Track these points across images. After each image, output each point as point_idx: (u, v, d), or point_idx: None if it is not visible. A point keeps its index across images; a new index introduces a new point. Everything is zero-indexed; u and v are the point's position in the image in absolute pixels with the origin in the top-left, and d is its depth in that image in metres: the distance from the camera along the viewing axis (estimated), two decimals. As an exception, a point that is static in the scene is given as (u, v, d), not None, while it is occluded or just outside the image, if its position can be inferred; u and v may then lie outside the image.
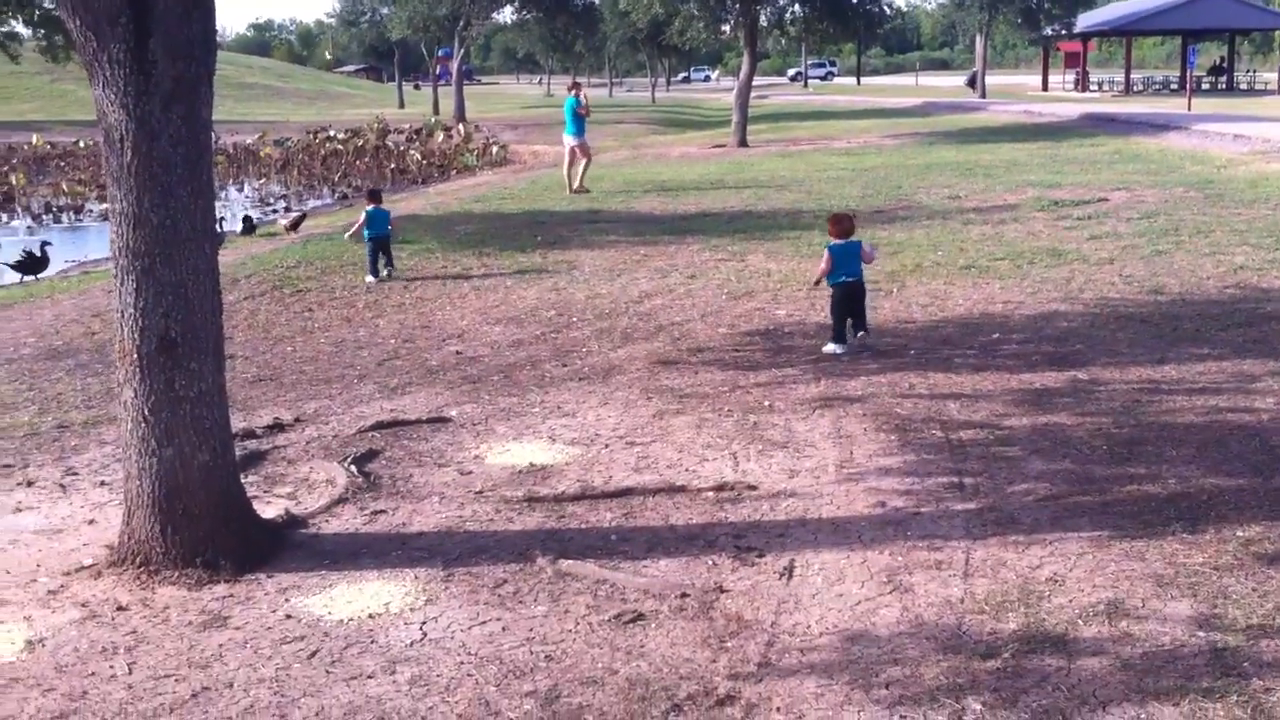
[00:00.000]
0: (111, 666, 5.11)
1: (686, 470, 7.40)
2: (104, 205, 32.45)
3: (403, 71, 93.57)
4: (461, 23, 58.52)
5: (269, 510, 6.96)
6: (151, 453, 6.04)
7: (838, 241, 10.08)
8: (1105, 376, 9.02)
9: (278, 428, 8.74)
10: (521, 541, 6.37)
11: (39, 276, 18.78)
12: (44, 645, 5.35)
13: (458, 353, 10.77)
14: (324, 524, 6.78)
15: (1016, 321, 10.93)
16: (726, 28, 37.10)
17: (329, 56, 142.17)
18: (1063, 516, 6.34)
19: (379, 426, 8.57)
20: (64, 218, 31.39)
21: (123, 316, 6.04)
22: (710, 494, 6.97)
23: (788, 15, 36.87)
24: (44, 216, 31.59)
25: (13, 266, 18.85)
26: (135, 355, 6.00)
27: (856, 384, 9.09)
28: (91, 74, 5.89)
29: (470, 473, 7.56)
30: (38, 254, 19.20)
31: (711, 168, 28.25)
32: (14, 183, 38.04)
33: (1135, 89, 68.60)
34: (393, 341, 11.37)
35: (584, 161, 23.98)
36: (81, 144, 50.72)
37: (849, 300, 10.03)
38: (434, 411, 8.93)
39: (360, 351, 11.03)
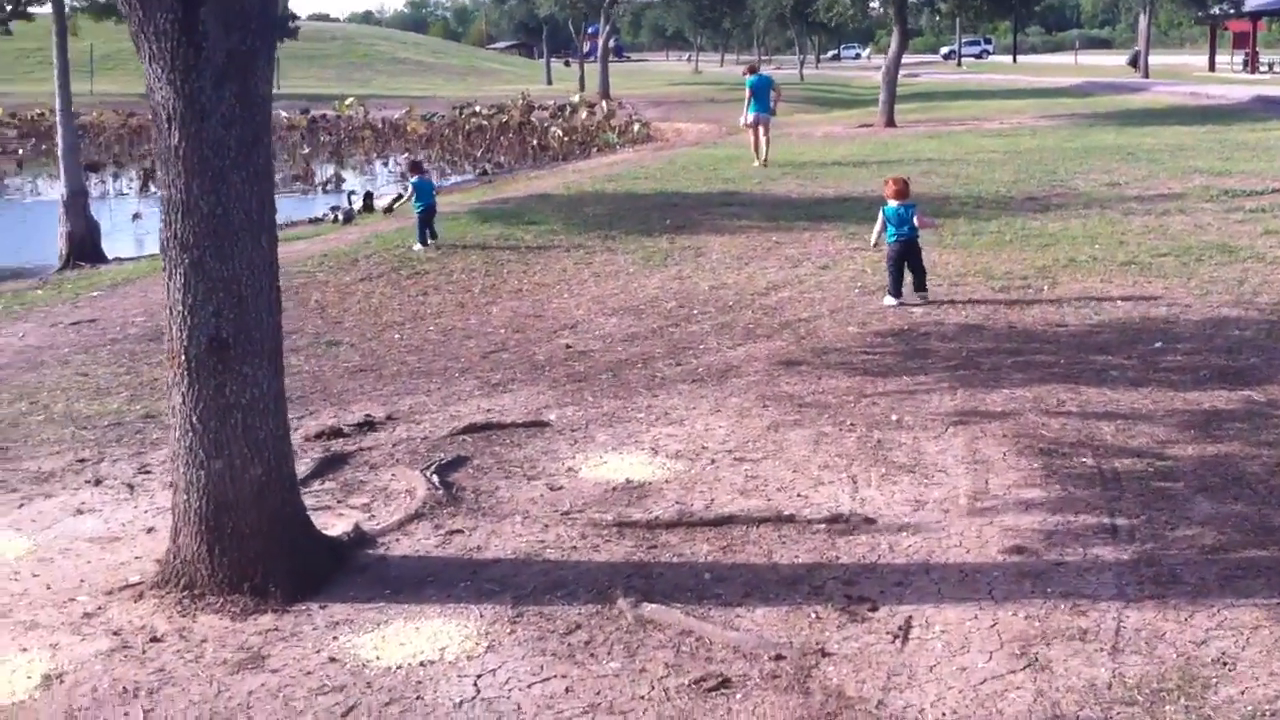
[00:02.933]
0: (126, 715, 4.54)
1: (798, 495, 6.60)
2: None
3: (552, 48, 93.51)
4: (608, -2, 57.95)
5: (339, 524, 6.38)
6: (199, 465, 5.47)
7: (893, 203, 11.06)
8: (1285, 398, 7.96)
9: (368, 426, 8.18)
10: (604, 576, 5.67)
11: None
12: (62, 682, 4.81)
13: (568, 346, 10.11)
14: (394, 543, 6.16)
15: (1182, 328, 9.84)
16: (875, 3, 35.76)
17: (484, 31, 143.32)
18: (1234, 576, 5.40)
19: (472, 429, 7.94)
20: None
21: (170, 314, 5.49)
22: (822, 526, 6.17)
23: (940, -10, 35.35)
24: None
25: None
26: (183, 357, 5.44)
27: (998, 397, 8.17)
28: (139, 47, 5.32)
29: (560, 488, 6.88)
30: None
31: (855, 148, 27.17)
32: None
33: (1311, 70, 64.99)
34: (503, 331, 10.76)
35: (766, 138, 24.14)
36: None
37: (903, 256, 10.96)
38: (533, 414, 8.28)
39: (468, 341, 10.44)
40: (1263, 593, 5.22)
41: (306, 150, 39.91)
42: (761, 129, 24.06)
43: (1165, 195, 17.21)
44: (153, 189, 31.58)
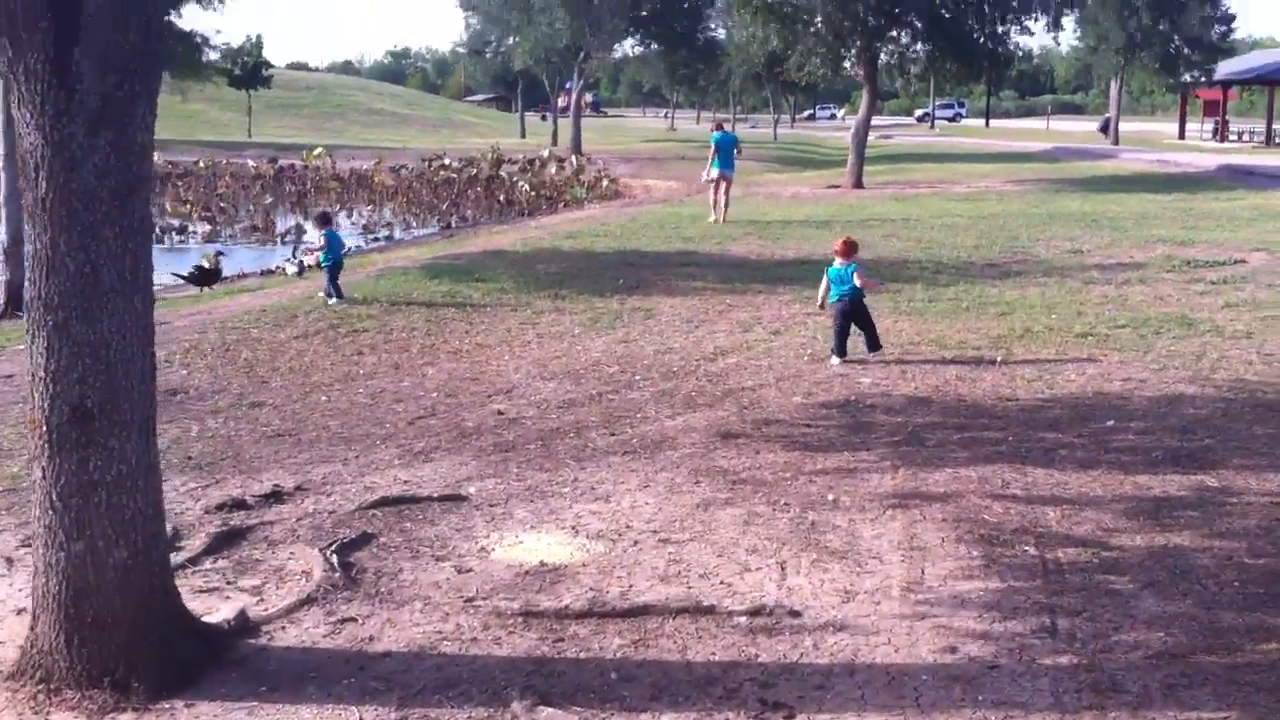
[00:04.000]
0: (-59, 834, 4.07)
1: (721, 583, 6.18)
2: (207, 226, 32.66)
3: (530, 103, 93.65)
4: (582, 54, 57.99)
5: (223, 609, 5.91)
6: (59, 546, 5.02)
7: (838, 263, 11.13)
8: (1240, 484, 7.58)
9: (275, 497, 7.71)
10: (502, 674, 5.22)
11: (211, 288, 18.33)
12: (-121, 792, 4.33)
13: (499, 412, 9.68)
14: (280, 632, 5.69)
15: (1136, 405, 9.50)
16: (846, 64, 35.76)
17: (462, 84, 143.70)
18: (1179, 685, 4.99)
19: (383, 503, 7.49)
20: (165, 239, 31.14)
21: (33, 380, 5.03)
22: (743, 619, 5.74)
23: (910, 53, 35.35)
24: (293, 229, 31.46)
25: (185, 278, 18.50)
26: (44, 428, 4.98)
27: (940, 477, 7.78)
28: (8, 88, 4.91)
29: (469, 570, 6.43)
30: (208, 266, 18.86)
31: (821, 210, 26.96)
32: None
33: (1277, 140, 65.48)
34: (434, 395, 10.32)
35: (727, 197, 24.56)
36: (201, 164, 51.18)
37: (848, 315, 11.04)
38: (451, 486, 7.83)
39: (396, 405, 10.00)
40: (1209, 704, 4.83)
41: (269, 200, 39.47)
42: (724, 186, 24.24)
43: (1127, 264, 16.98)
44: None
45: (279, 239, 31.69)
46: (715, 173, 24.32)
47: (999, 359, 10.96)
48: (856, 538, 6.76)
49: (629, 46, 65.63)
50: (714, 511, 7.24)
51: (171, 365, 11.81)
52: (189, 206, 36.36)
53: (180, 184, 44.47)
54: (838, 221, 23.62)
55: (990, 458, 8.13)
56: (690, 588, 6.14)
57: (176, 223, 33.14)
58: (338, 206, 39.57)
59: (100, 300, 4.93)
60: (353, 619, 5.83)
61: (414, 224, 36.08)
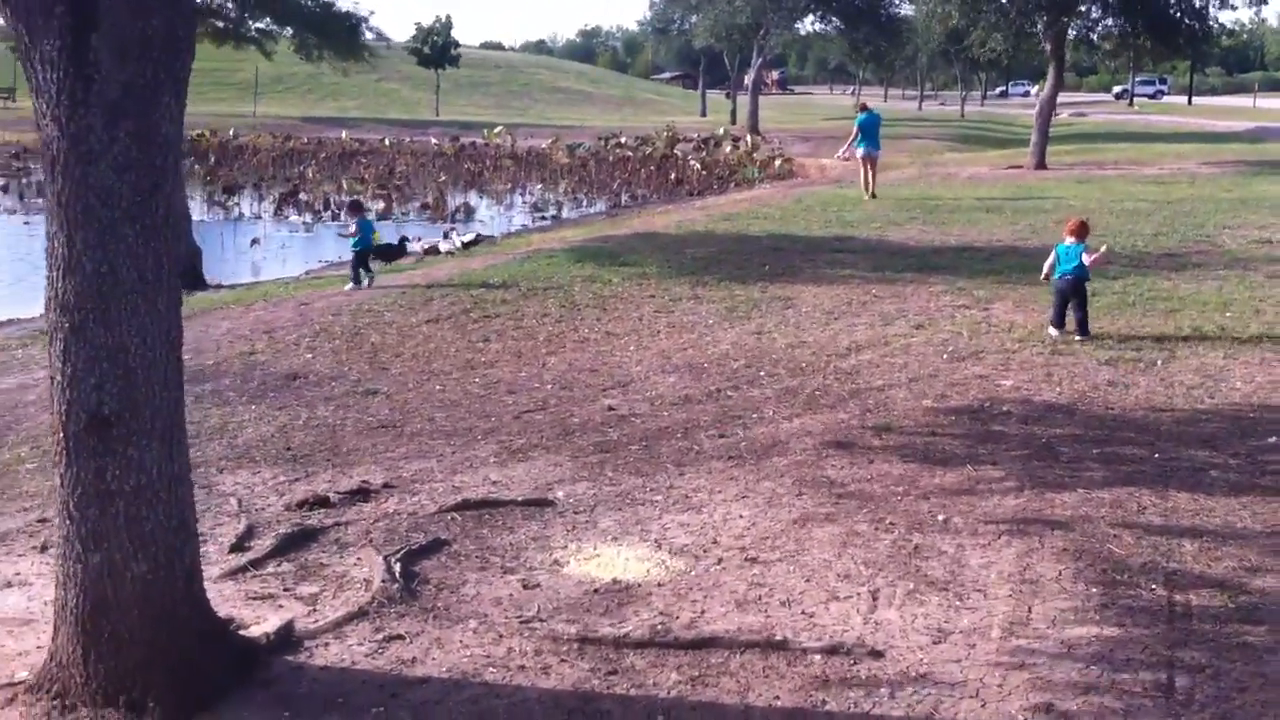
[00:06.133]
0: None
1: (802, 613, 5.64)
2: (381, 204, 33.11)
3: (714, 80, 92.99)
4: (762, 31, 57.12)
5: (272, 619, 5.62)
6: (76, 557, 4.78)
7: (1069, 240, 11.32)
8: None
9: (360, 495, 7.45)
10: (541, 710, 4.80)
11: (391, 261, 18.83)
12: None
13: (610, 409, 9.26)
14: (322, 648, 5.38)
15: (1307, 420, 8.57)
16: (1032, 40, 34.23)
17: (650, 62, 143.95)
18: (1307, 769, 4.28)
19: (464, 506, 7.14)
20: (342, 214, 31.66)
21: (52, 385, 4.78)
22: (818, 659, 5.20)
23: (1100, 28, 33.61)
24: (323, 213, 32.00)
25: (374, 253, 18.98)
26: (62, 434, 4.74)
27: (1069, 499, 7.05)
28: (27, 76, 4.66)
29: (535, 586, 6.02)
30: (395, 243, 19.43)
31: (996, 191, 25.77)
32: (308, 177, 39.06)
33: None
34: (549, 387, 9.96)
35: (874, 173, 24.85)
36: (387, 142, 52.18)
37: (1066, 293, 11.18)
38: (540, 490, 7.45)
39: (507, 398, 9.67)
40: (1341, 795, 4.11)
41: (442, 179, 39.86)
42: (870, 165, 24.60)
43: (1321, 257, 15.63)
44: (285, 214, 31.75)
45: (449, 216, 31.91)
46: (858, 153, 24.68)
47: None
48: (962, 566, 6.13)
49: (809, 23, 64.38)
50: (811, 529, 6.69)
51: (299, 349, 11.75)
52: (365, 184, 36.93)
53: (364, 161, 45.37)
54: (1010, 205, 22.51)
55: (1129, 478, 7.36)
56: (768, 617, 5.62)
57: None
58: (509, 186, 39.76)
59: (119, 302, 4.65)
60: (400, 637, 5.48)
61: (584, 203, 36.02)
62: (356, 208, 16.89)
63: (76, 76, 4.53)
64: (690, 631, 5.47)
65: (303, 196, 34.30)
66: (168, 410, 4.83)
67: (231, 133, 51.53)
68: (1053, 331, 11.24)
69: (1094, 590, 5.81)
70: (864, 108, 26.32)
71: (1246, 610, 5.55)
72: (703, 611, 5.69)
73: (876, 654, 5.22)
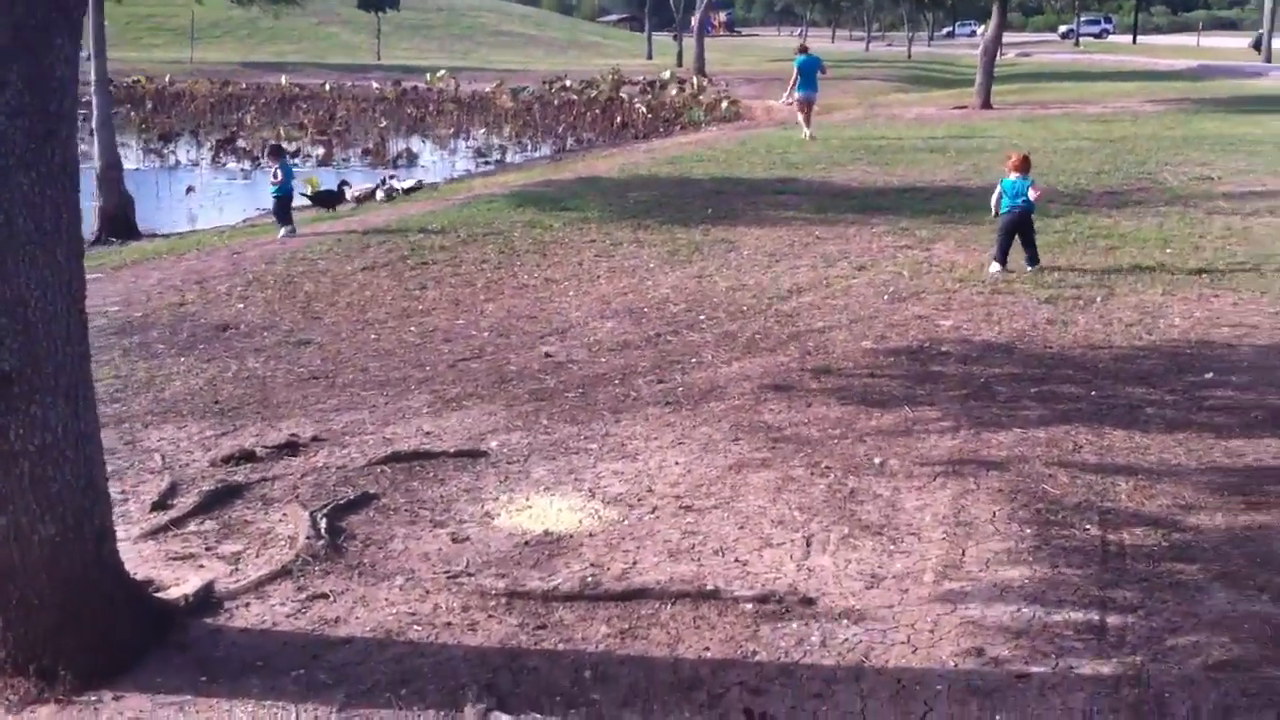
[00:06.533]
0: None
1: (735, 561, 5.55)
2: (322, 150, 32.60)
3: (662, 23, 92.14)
4: (707, -29, 56.53)
5: (193, 579, 5.47)
6: (-20, 521, 4.59)
7: (1013, 176, 11.30)
8: (1350, 452, 6.68)
9: (288, 449, 7.26)
10: (467, 669, 4.68)
11: (334, 210, 18.58)
12: None
13: (547, 355, 9.12)
14: (242, 609, 5.23)
15: (1243, 355, 8.56)
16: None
17: (595, 4, 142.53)
18: (1238, 707, 4.25)
19: (394, 459, 6.99)
20: (263, 159, 31.12)
21: (-53, 341, 4.57)
22: (749, 607, 5.12)
23: (1044, -35, 33.39)
24: (261, 160, 31.46)
25: (310, 199, 18.80)
26: (-39, 392, 4.54)
27: (1005, 439, 7.00)
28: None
29: (465, 539, 5.90)
30: (335, 190, 19.30)
31: (940, 131, 25.70)
32: (246, 123, 38.37)
33: None
34: (485, 334, 9.80)
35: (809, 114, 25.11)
36: (328, 87, 51.34)
37: (1014, 227, 11.25)
38: (473, 440, 7.31)
39: (443, 346, 9.50)
40: (1274, 737, 4.08)
41: (384, 124, 39.29)
42: (808, 107, 24.94)
43: (1260, 193, 15.68)
44: (222, 161, 31.19)
45: (391, 163, 31.44)
46: (798, 96, 24.84)
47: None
48: (897, 510, 6.07)
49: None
50: (746, 475, 6.60)
51: (230, 299, 11.50)
52: (304, 130, 36.34)
53: (304, 106, 44.61)
54: (955, 145, 22.47)
55: (1065, 416, 7.32)
56: (700, 566, 5.53)
57: (292, 146, 33.11)
58: (452, 131, 39.26)
59: (15, 253, 4.43)
60: (324, 595, 5.34)
61: (529, 148, 35.63)
62: (277, 152, 16.49)
63: (-39, 16, 4.30)
64: (621, 583, 5.37)
65: (241, 143, 33.70)
66: (72, 366, 4.64)
67: (168, 79, 50.51)
68: (994, 269, 11.22)
69: (1028, 531, 5.76)
70: (803, 49, 26.32)
71: (1180, 548, 5.52)
72: (635, 562, 5.59)
73: (808, 601, 5.15)
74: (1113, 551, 5.52)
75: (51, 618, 4.63)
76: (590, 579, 5.41)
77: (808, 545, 5.70)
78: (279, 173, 15.34)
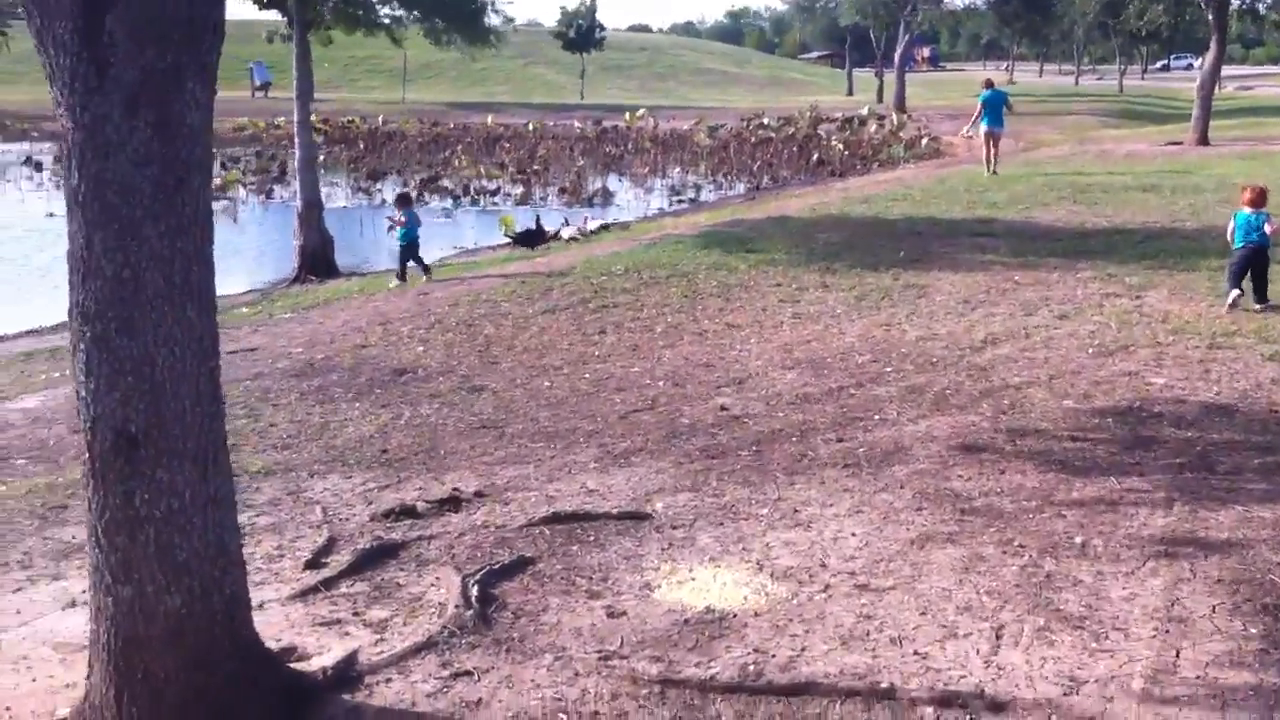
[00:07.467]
0: None
1: (914, 654, 4.99)
2: (520, 189, 32.98)
3: (863, 59, 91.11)
4: (908, 7, 55.61)
5: (336, 648, 5.20)
6: (107, 589, 4.39)
7: (1247, 210, 11.08)
8: None
9: (450, 503, 7.00)
10: (607, 768, 4.26)
11: (534, 249, 18.82)
12: None
13: (722, 408, 8.68)
14: (383, 685, 4.92)
15: None
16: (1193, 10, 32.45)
17: (798, 41, 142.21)
18: None
19: (555, 519, 6.64)
20: (481, 200, 31.59)
21: (78, 400, 4.39)
22: (929, 710, 4.56)
23: (1266, -2, 31.74)
24: (462, 198, 31.96)
25: (512, 239, 19.16)
26: (89, 454, 4.35)
27: (1226, 518, 6.25)
28: (42, 62, 4.26)
29: (621, 614, 5.49)
30: (533, 228, 19.80)
31: (1153, 169, 24.41)
32: (455, 165, 38.99)
33: None
34: (660, 384, 9.42)
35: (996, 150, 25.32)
36: (530, 126, 52.10)
37: (1247, 262, 10.92)
38: (637, 500, 6.91)
39: (615, 395, 9.16)
40: None
41: (581, 163, 39.52)
42: (993, 142, 25.05)
43: None
44: (426, 199, 31.75)
45: (587, 201, 31.54)
46: (982, 128, 24.97)
47: None
48: (1100, 599, 5.41)
49: (958, -3, 62.55)
50: (930, 551, 6.02)
51: (412, 341, 11.44)
52: (504, 169, 36.78)
53: (507, 145, 45.26)
54: (1168, 184, 21.24)
55: (1299, 492, 6.53)
56: (875, 657, 4.99)
57: (492, 185, 33.57)
58: (648, 169, 39.24)
59: (142, 309, 4.22)
60: (468, 673, 4.99)
61: (724, 185, 35.36)
62: (405, 200, 16.38)
63: (90, 61, 4.11)
64: (786, 674, 4.87)
65: (444, 182, 34.32)
66: (201, 427, 4.40)
67: (380, 119, 52.01)
68: (1231, 295, 10.85)
69: (1253, 630, 5.06)
70: (989, 84, 26.40)
71: None
72: (803, 649, 5.09)
73: (997, 706, 4.57)
74: (1356, 660, 4.78)
75: (177, 693, 4.40)
76: (752, 667, 4.93)
77: (997, 638, 5.11)
78: (403, 218, 15.25)
